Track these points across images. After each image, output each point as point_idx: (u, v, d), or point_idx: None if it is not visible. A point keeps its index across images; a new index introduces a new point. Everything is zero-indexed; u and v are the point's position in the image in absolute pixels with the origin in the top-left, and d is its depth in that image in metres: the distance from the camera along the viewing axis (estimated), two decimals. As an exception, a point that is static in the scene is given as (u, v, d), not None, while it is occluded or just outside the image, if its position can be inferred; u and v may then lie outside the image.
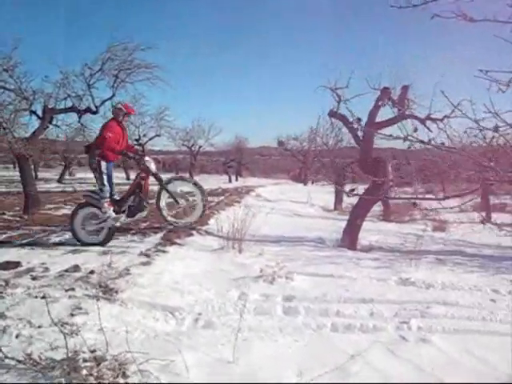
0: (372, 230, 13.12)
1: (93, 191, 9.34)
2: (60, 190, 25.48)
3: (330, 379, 3.98)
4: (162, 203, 9.73)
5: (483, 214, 18.24)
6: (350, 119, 10.58)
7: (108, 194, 8.92)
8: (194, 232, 10.85)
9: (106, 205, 8.83)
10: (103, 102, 15.77)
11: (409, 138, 3.12)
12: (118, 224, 9.14)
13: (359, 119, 5.08)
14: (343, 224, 11.70)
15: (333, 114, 11.64)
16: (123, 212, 9.13)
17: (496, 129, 2.48)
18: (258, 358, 4.44)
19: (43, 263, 7.38)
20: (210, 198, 21.26)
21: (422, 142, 2.93)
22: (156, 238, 9.99)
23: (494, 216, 17.91)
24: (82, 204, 9.35)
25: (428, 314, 5.90)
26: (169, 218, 9.99)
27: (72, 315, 5.04)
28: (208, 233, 11.19)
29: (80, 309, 5.24)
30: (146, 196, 9.34)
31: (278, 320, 5.51)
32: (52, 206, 16.93)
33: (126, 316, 5.30)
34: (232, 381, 3.93)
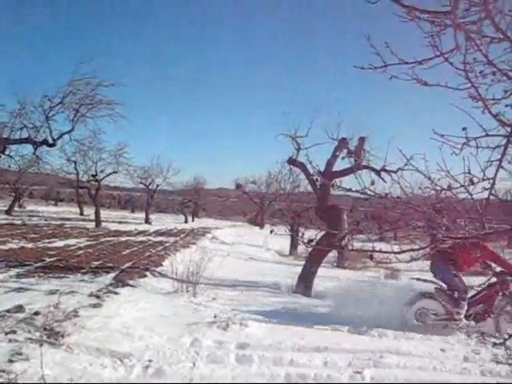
0: (327, 277, 13.18)
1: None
2: (8, 222, 24.40)
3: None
4: None
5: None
6: (309, 167, 10.83)
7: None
8: (147, 273, 10.59)
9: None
10: (61, 135, 15.48)
11: (366, 191, 3.19)
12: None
13: (320, 172, 5.19)
14: (298, 269, 11.71)
15: (292, 161, 11.87)
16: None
17: (449, 188, 2.59)
18: (210, 409, 4.29)
19: (-18, 303, 6.96)
20: (164, 239, 21.09)
21: (379, 196, 3.01)
22: (107, 278, 9.67)
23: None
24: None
25: (381, 364, 5.91)
26: None
27: (11, 361, 4.71)
28: (162, 274, 10.95)
29: (20, 354, 4.90)
30: None
31: (231, 369, 5.36)
32: (-2, 239, 16.16)
33: (71, 363, 5.02)
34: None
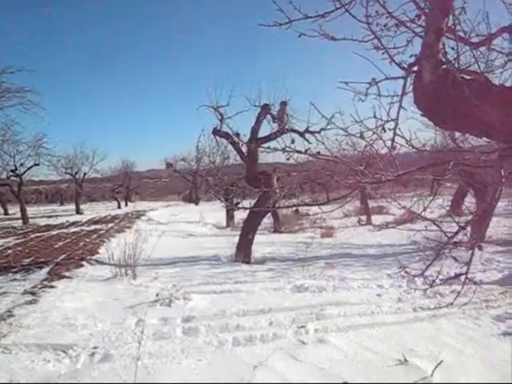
0: (264, 243, 13.46)
1: None
2: None
3: (236, 393, 3.99)
4: None
5: (364, 217, 19.61)
6: (234, 137, 10.85)
7: None
8: (83, 263, 10.31)
9: None
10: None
11: (286, 149, 3.27)
12: None
13: (238, 134, 5.23)
14: (237, 240, 11.84)
15: (216, 132, 11.82)
16: None
17: (361, 135, 2.72)
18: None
19: None
20: (98, 227, 20.51)
21: (298, 151, 3.09)
22: (42, 273, 9.31)
23: (373, 218, 19.31)
24: None
25: (323, 316, 6.21)
26: None
27: None
28: (99, 262, 10.70)
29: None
30: None
31: (179, 342, 5.41)
32: None
33: (10, 363, 4.85)
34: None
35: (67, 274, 9.10)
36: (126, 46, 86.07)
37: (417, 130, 3.34)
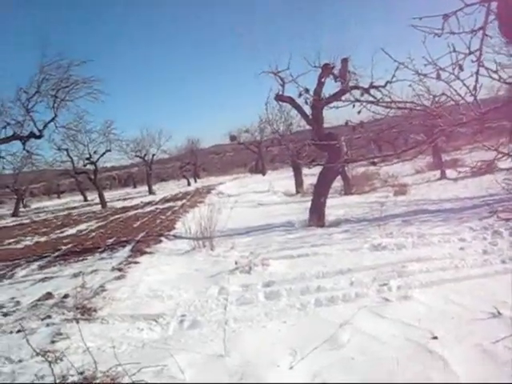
0: (336, 205, 13.31)
1: None
2: (17, 223, 24.59)
3: (323, 351, 4.02)
4: None
5: (438, 171, 18.84)
6: (298, 100, 10.67)
7: None
8: (162, 238, 10.73)
9: None
10: (46, 125, 15.13)
11: (358, 100, 3.16)
12: None
13: (307, 89, 5.11)
14: (308, 205, 11.79)
15: (279, 97, 11.68)
16: None
17: (438, 75, 2.55)
18: (249, 346, 4.43)
19: (12, 298, 7.12)
20: (172, 204, 21.23)
21: (371, 102, 2.97)
22: (125, 251, 9.82)
23: (448, 172, 18.50)
24: None
25: (405, 273, 6.07)
26: None
27: (53, 342, 4.90)
28: (176, 237, 11.09)
29: (60, 334, 5.09)
30: None
31: (262, 306, 5.52)
32: (11, 240, 16.32)
33: (109, 332, 5.19)
34: (227, 372, 3.91)
35: (148, 250, 9.52)
36: (183, 19, 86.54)
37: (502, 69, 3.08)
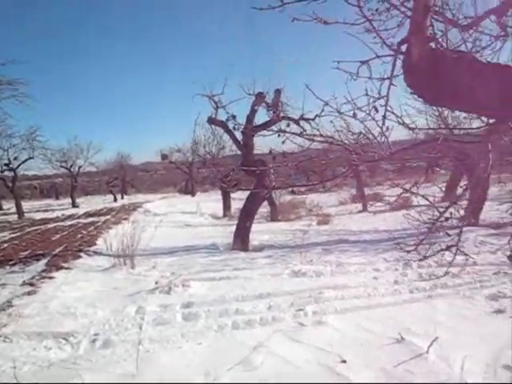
0: (262, 231, 13.53)
1: None
2: None
3: (237, 372, 4.08)
4: None
5: (360, 204, 19.72)
6: (230, 124, 10.87)
7: None
8: (81, 254, 10.37)
9: None
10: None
11: (282, 131, 3.33)
12: None
13: (234, 116, 5.26)
14: (234, 229, 11.91)
15: (212, 120, 11.84)
16: None
17: (354, 114, 2.78)
18: (163, 366, 4.41)
19: None
20: (95, 219, 20.54)
21: (294, 133, 3.15)
22: (39, 265, 9.37)
23: (369, 205, 19.40)
24: None
25: (321, 299, 6.30)
26: None
27: None
28: (97, 253, 10.76)
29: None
30: None
31: (179, 327, 5.49)
32: None
33: (11, 351, 4.92)
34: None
35: (65, 265, 9.16)
36: (116, 35, 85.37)
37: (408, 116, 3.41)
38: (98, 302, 6.60)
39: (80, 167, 38.09)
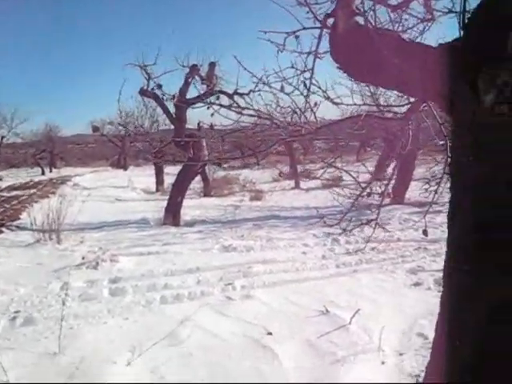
0: (194, 206, 13.44)
1: None
2: None
3: (163, 347, 4.05)
4: None
5: (293, 181, 20.05)
6: (161, 95, 10.60)
7: None
8: (3, 229, 9.84)
9: None
10: None
11: (212, 104, 3.27)
12: None
13: (160, 85, 5.10)
14: (165, 203, 11.73)
15: (144, 92, 11.47)
16: None
17: (281, 88, 2.78)
18: (87, 343, 4.29)
19: None
20: (20, 193, 19.51)
21: (222, 105, 3.11)
22: (-46, 239, 8.81)
23: (302, 182, 19.76)
24: None
25: (250, 274, 6.38)
26: None
27: None
28: (20, 228, 10.24)
29: None
30: None
31: (105, 303, 5.37)
32: None
33: None
34: (59, 371, 3.74)
35: (-16, 240, 8.67)
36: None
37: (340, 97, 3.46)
38: (20, 279, 6.30)
39: (3, 137, 35.86)
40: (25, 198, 17.16)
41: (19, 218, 11.46)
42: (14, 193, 19.92)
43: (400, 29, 3.13)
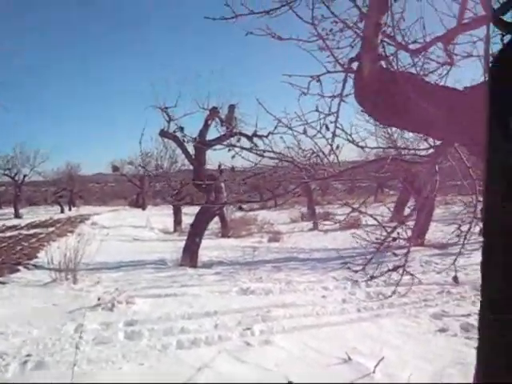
0: (212, 247, 13.36)
1: None
2: None
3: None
4: None
5: (311, 222, 19.88)
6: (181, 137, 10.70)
7: None
8: (20, 267, 9.84)
9: None
10: None
11: (233, 146, 3.25)
12: None
13: (181, 128, 5.14)
14: (183, 244, 11.68)
15: (164, 133, 11.64)
16: None
17: (304, 131, 2.74)
18: (100, 389, 4.15)
19: None
20: (39, 231, 19.68)
21: (243, 148, 3.08)
22: (-30, 278, 8.80)
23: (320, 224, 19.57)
24: None
25: (269, 318, 6.20)
26: None
27: None
28: (37, 266, 10.24)
29: None
30: None
31: (120, 347, 5.22)
32: None
33: None
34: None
35: (0, 279, 8.64)
36: (65, 41, 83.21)
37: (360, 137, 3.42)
38: (34, 320, 6.21)
39: (25, 176, 36.53)
40: (43, 236, 17.28)
41: (37, 257, 11.48)
42: (33, 231, 20.10)
43: (422, 73, 3.11)
